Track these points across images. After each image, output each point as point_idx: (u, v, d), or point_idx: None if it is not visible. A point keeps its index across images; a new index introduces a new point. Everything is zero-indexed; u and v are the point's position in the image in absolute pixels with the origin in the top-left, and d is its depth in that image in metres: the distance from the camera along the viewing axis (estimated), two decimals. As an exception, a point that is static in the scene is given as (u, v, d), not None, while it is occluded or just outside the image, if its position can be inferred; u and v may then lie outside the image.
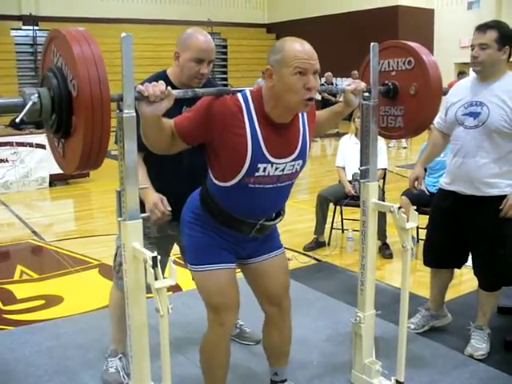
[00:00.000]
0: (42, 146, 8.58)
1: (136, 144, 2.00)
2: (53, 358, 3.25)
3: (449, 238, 3.08)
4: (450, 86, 14.08)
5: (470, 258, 3.29)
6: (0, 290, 4.43)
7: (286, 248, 5.29)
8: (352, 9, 19.20)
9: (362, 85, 2.55)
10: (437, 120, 3.22)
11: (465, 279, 4.61)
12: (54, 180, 8.87)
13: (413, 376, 2.90)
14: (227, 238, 2.37)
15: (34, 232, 6.33)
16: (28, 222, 6.81)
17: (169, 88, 1.98)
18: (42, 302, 4.23)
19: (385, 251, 5.07)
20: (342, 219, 5.69)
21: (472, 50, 2.98)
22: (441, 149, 3.44)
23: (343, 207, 5.50)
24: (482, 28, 2.95)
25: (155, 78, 2.49)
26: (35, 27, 17.82)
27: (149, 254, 1.90)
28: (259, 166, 2.16)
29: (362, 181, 2.83)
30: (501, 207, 2.92)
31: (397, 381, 2.72)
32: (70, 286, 4.53)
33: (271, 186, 2.24)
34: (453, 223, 3.11)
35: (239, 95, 2.16)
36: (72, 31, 1.78)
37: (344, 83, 2.46)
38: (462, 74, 14.10)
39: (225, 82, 18.94)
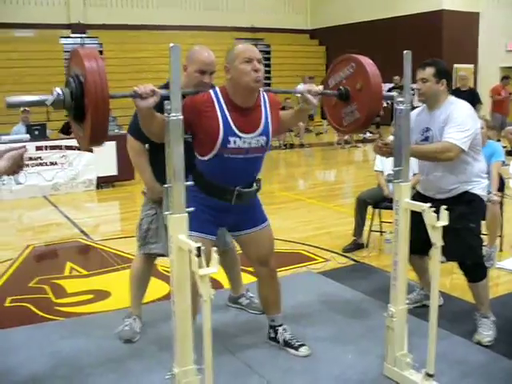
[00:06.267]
0: (90, 150, 8.88)
1: (183, 146, 2.32)
2: (102, 347, 3.45)
3: (417, 231, 3.19)
4: (494, 91, 13.85)
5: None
6: (52, 285, 4.70)
7: (325, 249, 5.44)
8: (395, 14, 18.91)
9: (316, 88, 2.94)
10: None
11: (501, 281, 4.67)
12: (101, 182, 9.20)
13: (443, 370, 2.98)
14: (214, 212, 2.99)
15: (82, 232, 6.59)
16: (76, 222, 7.08)
17: (155, 88, 2.48)
18: (91, 296, 4.46)
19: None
20: (380, 222, 5.75)
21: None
22: None
23: (382, 210, 5.60)
24: (422, 65, 3.51)
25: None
26: (83, 35, 18.35)
27: (193, 245, 2.08)
28: (230, 139, 2.82)
29: (395, 181, 2.95)
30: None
31: (427, 373, 2.81)
32: (116, 282, 4.74)
33: (241, 156, 2.87)
34: (422, 219, 3.24)
35: (211, 91, 2.89)
36: (85, 49, 2.46)
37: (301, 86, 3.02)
38: (505, 79, 13.56)
39: (268, 88, 18.98)
